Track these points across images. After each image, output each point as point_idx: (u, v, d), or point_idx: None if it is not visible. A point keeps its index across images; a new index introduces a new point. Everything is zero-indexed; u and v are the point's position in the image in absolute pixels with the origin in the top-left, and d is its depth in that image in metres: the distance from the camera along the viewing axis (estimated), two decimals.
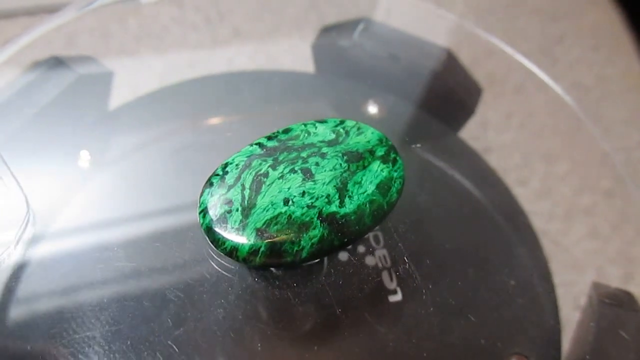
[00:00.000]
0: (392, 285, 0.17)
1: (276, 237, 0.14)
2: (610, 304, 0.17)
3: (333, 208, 0.15)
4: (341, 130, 0.17)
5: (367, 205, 0.15)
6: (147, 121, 0.20)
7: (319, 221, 0.15)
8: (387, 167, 0.16)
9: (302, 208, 0.15)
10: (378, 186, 0.16)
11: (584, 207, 0.28)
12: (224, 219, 0.15)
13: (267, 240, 0.14)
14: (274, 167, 0.15)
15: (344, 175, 0.15)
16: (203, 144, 0.20)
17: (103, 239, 0.18)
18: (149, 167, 0.19)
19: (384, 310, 0.17)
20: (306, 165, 0.16)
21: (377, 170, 0.16)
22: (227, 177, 0.15)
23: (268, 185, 0.15)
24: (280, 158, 0.16)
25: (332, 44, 0.23)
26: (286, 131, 0.16)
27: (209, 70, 0.29)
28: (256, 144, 0.16)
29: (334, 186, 0.15)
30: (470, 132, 0.24)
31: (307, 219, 0.15)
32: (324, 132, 0.17)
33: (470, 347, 0.17)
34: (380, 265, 0.18)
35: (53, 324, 0.16)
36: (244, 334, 0.16)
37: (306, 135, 0.16)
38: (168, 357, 0.15)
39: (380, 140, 0.16)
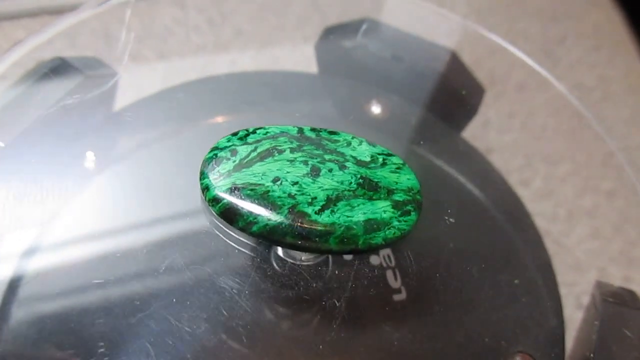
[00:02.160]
0: (396, 284, 0.17)
1: (242, 199, 0.15)
2: (613, 303, 0.17)
3: (309, 210, 0.15)
4: (380, 159, 0.16)
5: (341, 229, 0.15)
6: (152, 121, 0.21)
7: (287, 211, 0.15)
8: (394, 213, 0.15)
9: (283, 193, 0.15)
10: (367, 221, 0.15)
11: (586, 207, 0.29)
12: (219, 161, 0.15)
13: (232, 198, 0.15)
14: (292, 151, 0.16)
15: (345, 192, 0.15)
16: (204, 144, 0.20)
17: (106, 240, 0.18)
18: (154, 167, 0.19)
19: (388, 309, 0.17)
20: (320, 165, 0.16)
21: (380, 209, 0.15)
22: (251, 136, 0.16)
23: (274, 160, 0.15)
24: (305, 147, 0.16)
25: (335, 44, 0.23)
26: (332, 132, 0.17)
27: (211, 71, 0.29)
28: (298, 127, 0.17)
29: (327, 195, 0.15)
30: (473, 132, 0.24)
31: (279, 203, 0.15)
32: (363, 151, 0.16)
33: (475, 346, 0.17)
34: (384, 264, 0.18)
35: (88, 314, 0.16)
36: (247, 332, 0.16)
37: (345, 144, 0.16)
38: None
39: (409, 189, 0.16)
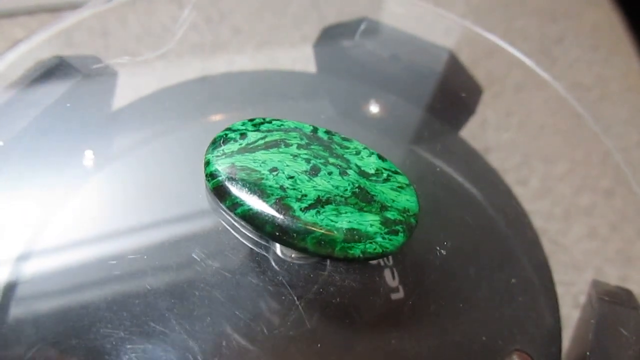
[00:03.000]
0: (394, 283, 0.17)
1: (235, 181, 0.15)
2: (609, 302, 0.17)
3: (295, 205, 0.15)
4: (384, 174, 0.16)
5: (320, 231, 0.15)
6: (151, 120, 0.21)
7: (274, 201, 0.15)
8: (380, 229, 0.15)
9: (276, 184, 0.15)
10: (349, 230, 0.15)
11: (583, 207, 0.29)
12: (227, 141, 0.16)
13: (226, 177, 0.15)
14: (299, 147, 0.16)
15: (337, 197, 0.15)
16: (201, 143, 0.20)
17: (106, 239, 0.18)
18: (152, 166, 0.19)
19: (386, 308, 0.17)
20: (322, 166, 0.16)
21: (367, 222, 0.15)
22: (265, 125, 0.17)
23: (279, 151, 0.16)
24: (313, 147, 0.16)
25: (334, 44, 0.23)
26: (345, 139, 0.17)
27: (209, 71, 0.29)
28: (313, 127, 0.17)
29: (318, 195, 0.15)
30: (471, 132, 0.24)
31: (269, 192, 0.15)
32: (369, 163, 0.16)
33: (472, 344, 0.17)
34: (382, 263, 0.18)
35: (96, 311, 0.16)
36: (244, 332, 0.16)
37: (354, 153, 0.16)
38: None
39: (405, 210, 0.16)
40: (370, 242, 0.15)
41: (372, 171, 0.16)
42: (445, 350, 0.17)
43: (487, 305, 0.18)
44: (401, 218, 0.16)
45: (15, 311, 0.16)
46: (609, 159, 0.29)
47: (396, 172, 0.16)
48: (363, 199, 0.15)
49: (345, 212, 0.15)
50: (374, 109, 0.22)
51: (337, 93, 0.23)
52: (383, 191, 0.16)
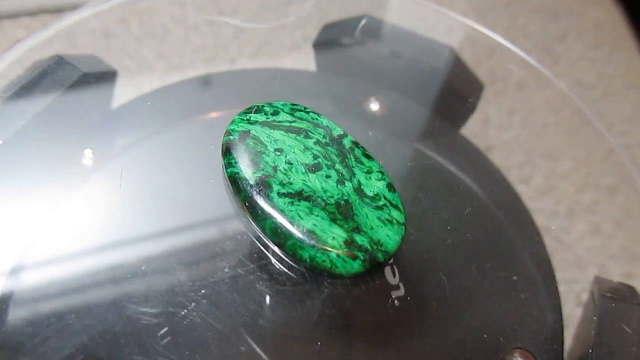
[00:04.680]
0: (395, 280, 0.17)
1: (240, 144, 0.16)
2: (612, 298, 0.17)
3: (275, 187, 0.15)
4: (381, 202, 0.16)
5: (281, 221, 0.15)
6: (151, 119, 0.21)
7: (259, 176, 0.15)
8: (340, 247, 0.15)
9: (272, 163, 0.16)
10: (308, 232, 0.15)
11: (586, 204, 0.28)
12: (259, 111, 0.17)
13: (236, 139, 0.16)
14: (317, 143, 0.16)
15: (318, 199, 0.15)
16: (202, 141, 0.20)
17: (107, 239, 0.18)
18: (152, 165, 0.19)
19: (387, 306, 0.17)
20: (325, 167, 0.16)
21: (332, 233, 0.15)
22: (301, 113, 0.17)
23: (296, 139, 0.16)
24: (330, 149, 0.16)
25: (334, 41, 0.23)
26: (367, 156, 0.17)
27: (209, 69, 0.29)
28: (344, 132, 0.17)
29: (302, 189, 0.15)
30: (474, 130, 0.24)
31: (261, 166, 0.15)
32: (374, 186, 0.16)
33: (474, 342, 0.17)
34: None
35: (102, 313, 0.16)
36: (242, 329, 0.16)
37: (365, 171, 0.16)
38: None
39: (377, 244, 0.15)
40: (322, 253, 0.15)
41: (371, 194, 0.16)
42: (447, 348, 0.17)
43: (489, 303, 0.18)
44: (369, 247, 0.15)
45: (15, 311, 0.16)
46: (612, 157, 0.29)
47: (396, 207, 0.16)
48: (342, 213, 0.15)
49: (317, 216, 0.15)
50: (375, 106, 0.22)
51: (337, 91, 0.23)
52: (368, 215, 0.15)
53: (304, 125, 0.17)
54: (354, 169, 0.16)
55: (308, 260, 0.15)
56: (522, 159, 0.29)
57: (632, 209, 0.27)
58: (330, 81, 0.24)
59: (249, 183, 0.15)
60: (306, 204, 0.15)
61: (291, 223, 0.15)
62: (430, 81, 0.22)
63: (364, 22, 0.23)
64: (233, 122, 0.16)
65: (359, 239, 0.15)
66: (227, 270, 0.17)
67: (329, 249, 0.15)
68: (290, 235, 0.15)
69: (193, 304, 0.16)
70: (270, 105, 0.17)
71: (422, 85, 0.23)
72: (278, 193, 0.15)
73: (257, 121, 0.16)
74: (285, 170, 0.15)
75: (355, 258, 0.15)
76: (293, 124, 0.17)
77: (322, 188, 0.15)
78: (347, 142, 0.17)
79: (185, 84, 0.22)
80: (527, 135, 0.30)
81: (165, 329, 0.16)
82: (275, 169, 0.15)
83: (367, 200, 0.16)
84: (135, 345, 0.15)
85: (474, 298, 0.18)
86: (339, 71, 0.23)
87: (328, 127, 0.17)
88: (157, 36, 0.30)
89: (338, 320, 0.17)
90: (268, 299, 0.17)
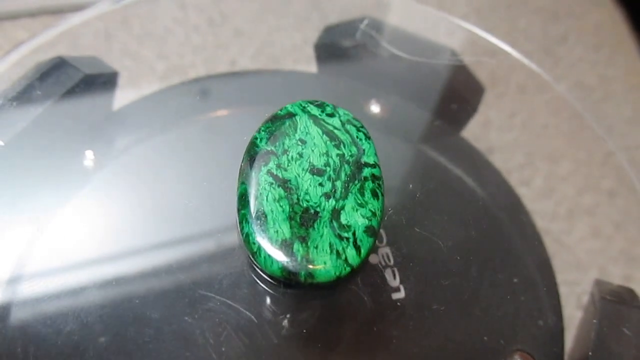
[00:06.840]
0: (395, 282, 0.17)
1: (276, 125, 0.16)
2: (612, 301, 0.17)
3: (273, 165, 0.15)
4: (349, 235, 0.15)
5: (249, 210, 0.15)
6: (152, 121, 0.21)
7: (267, 148, 0.16)
8: (277, 245, 0.14)
9: (287, 146, 0.16)
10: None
11: (586, 206, 0.28)
12: (315, 103, 0.17)
13: (275, 119, 0.16)
14: (338, 156, 0.16)
15: (294, 195, 0.15)
16: (202, 142, 0.20)
17: (105, 239, 0.18)
18: (153, 166, 0.19)
19: (387, 308, 0.17)
20: (328, 177, 0.16)
21: (282, 228, 0.15)
22: (350, 126, 0.17)
23: (325, 142, 0.16)
24: (345, 165, 0.16)
25: (335, 43, 0.23)
26: (374, 193, 0.16)
27: (210, 71, 0.29)
28: (375, 161, 0.16)
29: (289, 179, 0.15)
30: (474, 132, 0.24)
31: (274, 144, 0.16)
32: (352, 218, 0.15)
33: (473, 344, 0.17)
34: (383, 262, 0.18)
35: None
36: (243, 331, 0.16)
37: (357, 203, 0.15)
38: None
39: (305, 262, 0.14)
40: (255, 238, 0.15)
41: (344, 222, 0.15)
42: (447, 350, 0.17)
43: (489, 305, 0.18)
44: (297, 260, 0.15)
45: (16, 311, 0.16)
46: (613, 159, 0.29)
47: (357, 249, 0.15)
48: (303, 218, 0.15)
49: (281, 205, 0.15)
50: (375, 108, 0.22)
51: (338, 93, 0.23)
52: (323, 235, 0.15)
53: (343, 137, 0.16)
54: (350, 194, 0.15)
55: (243, 236, 0.15)
56: (523, 160, 0.29)
57: (632, 211, 0.28)
58: (331, 83, 0.24)
59: (258, 148, 0.16)
60: (281, 191, 0.15)
61: (255, 197, 0.15)
62: (431, 83, 0.22)
63: (364, 23, 0.23)
64: (294, 103, 0.17)
65: (296, 247, 0.15)
66: (225, 269, 0.17)
67: (265, 237, 0.15)
68: (247, 204, 0.15)
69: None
70: (333, 107, 0.17)
71: (423, 87, 0.23)
72: (268, 170, 0.15)
73: (310, 112, 0.17)
74: (291, 158, 0.16)
75: (278, 261, 0.15)
76: (335, 131, 0.16)
77: (306, 189, 0.15)
78: (366, 171, 0.16)
79: (184, 85, 0.22)
80: (528, 137, 0.30)
81: (161, 329, 0.16)
82: (285, 152, 0.16)
83: (335, 224, 0.15)
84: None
85: (474, 300, 0.18)
86: (340, 73, 0.24)
87: (364, 150, 0.16)
88: (158, 37, 0.30)
89: (337, 321, 0.17)
90: (264, 300, 0.17)
